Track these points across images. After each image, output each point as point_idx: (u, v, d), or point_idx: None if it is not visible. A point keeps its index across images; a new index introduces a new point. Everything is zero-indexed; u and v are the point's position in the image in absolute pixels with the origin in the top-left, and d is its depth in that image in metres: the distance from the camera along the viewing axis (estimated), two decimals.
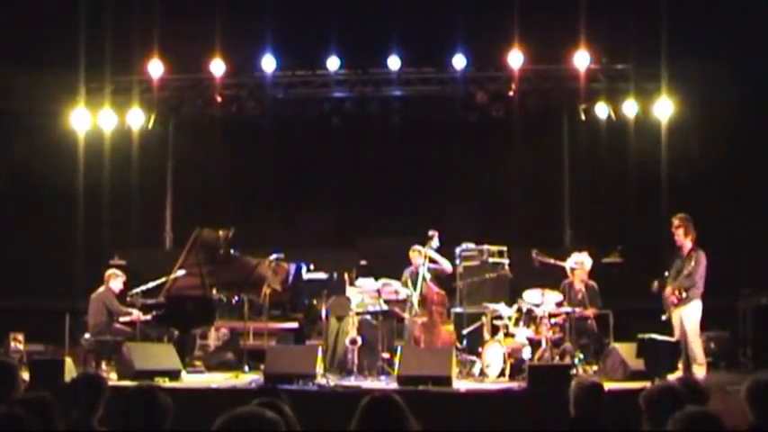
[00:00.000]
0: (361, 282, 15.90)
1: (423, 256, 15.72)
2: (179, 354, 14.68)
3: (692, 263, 13.90)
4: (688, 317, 13.86)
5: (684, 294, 13.83)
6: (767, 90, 18.12)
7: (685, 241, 14.06)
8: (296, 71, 19.92)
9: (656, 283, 14.33)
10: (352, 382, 13.99)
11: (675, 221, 14.13)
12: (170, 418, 5.73)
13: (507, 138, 19.39)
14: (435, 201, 19.84)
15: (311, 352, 14.36)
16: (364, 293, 15.68)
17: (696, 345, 13.86)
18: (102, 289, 15.86)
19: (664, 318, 14.25)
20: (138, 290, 15.80)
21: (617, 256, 18.21)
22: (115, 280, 15.99)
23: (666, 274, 14.16)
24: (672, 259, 14.23)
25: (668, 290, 14.01)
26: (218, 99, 19.77)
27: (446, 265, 16.10)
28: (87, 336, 15.47)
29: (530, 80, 19.37)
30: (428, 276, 15.67)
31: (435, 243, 15.81)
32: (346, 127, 19.98)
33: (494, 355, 14.63)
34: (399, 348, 14.24)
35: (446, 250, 16.44)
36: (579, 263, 15.56)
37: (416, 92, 19.92)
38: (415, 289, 15.46)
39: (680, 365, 13.84)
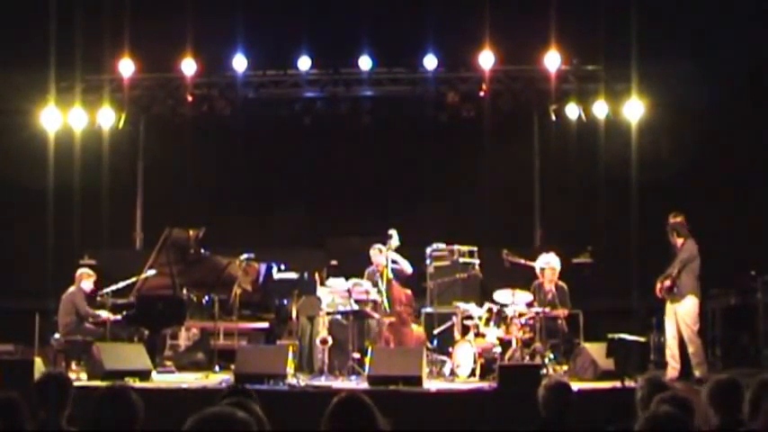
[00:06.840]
0: (331, 282, 15.87)
1: (384, 256, 15.75)
2: (149, 354, 14.61)
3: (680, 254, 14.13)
4: (680, 315, 13.99)
5: (675, 288, 13.94)
6: (737, 91, 18.20)
7: (677, 241, 14.19)
8: (267, 71, 19.93)
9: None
10: (322, 382, 13.95)
11: (668, 228, 14.28)
12: (142, 418, 5.72)
13: (478, 138, 19.41)
14: (406, 201, 19.84)
15: (282, 352, 14.31)
16: (335, 293, 15.64)
17: (694, 346, 13.94)
18: (72, 289, 15.76)
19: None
20: (108, 290, 15.72)
21: (587, 256, 18.28)
22: (87, 280, 15.87)
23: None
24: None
25: (657, 285, 14.11)
26: (189, 98, 19.73)
27: (406, 265, 16.07)
28: (57, 336, 15.40)
29: (500, 81, 19.44)
30: (392, 276, 15.69)
31: (395, 242, 15.80)
32: (317, 127, 19.99)
33: (464, 355, 14.67)
34: (370, 348, 14.26)
35: (417, 250, 16.47)
36: (548, 263, 15.62)
37: (387, 92, 19.97)
38: (377, 289, 15.50)
39: (675, 365, 13.94)
